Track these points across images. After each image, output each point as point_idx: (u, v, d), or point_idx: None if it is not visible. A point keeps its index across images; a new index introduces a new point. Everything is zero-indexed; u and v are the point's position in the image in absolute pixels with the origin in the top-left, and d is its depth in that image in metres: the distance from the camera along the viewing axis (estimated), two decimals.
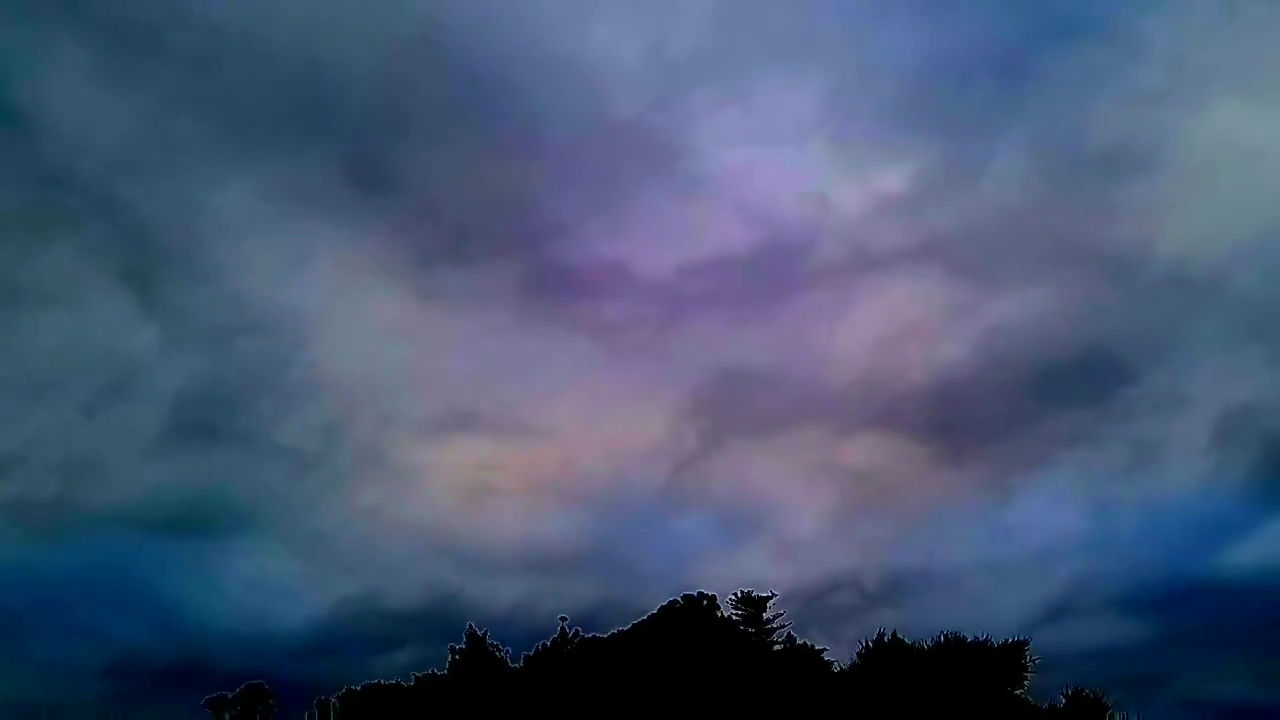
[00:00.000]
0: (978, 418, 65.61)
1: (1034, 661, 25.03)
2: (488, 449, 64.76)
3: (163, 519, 54.98)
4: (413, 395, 68.33)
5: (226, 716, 30.25)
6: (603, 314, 70.34)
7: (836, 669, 27.10)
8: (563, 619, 29.15)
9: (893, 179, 70.62)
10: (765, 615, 28.08)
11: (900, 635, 26.24)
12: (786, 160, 74.35)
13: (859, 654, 26.10)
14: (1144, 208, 66.37)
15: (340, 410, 65.71)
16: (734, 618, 28.41)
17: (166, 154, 69.02)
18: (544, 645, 29.07)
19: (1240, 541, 54.23)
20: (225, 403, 63.83)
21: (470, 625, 29.65)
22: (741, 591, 28.52)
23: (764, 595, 28.32)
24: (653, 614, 28.52)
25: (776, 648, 27.78)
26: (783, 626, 27.95)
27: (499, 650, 29.32)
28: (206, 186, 68.68)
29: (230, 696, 30.47)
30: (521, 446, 64.82)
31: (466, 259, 71.09)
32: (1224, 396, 61.12)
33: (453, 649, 29.46)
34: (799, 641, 27.88)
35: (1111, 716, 23.74)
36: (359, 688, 29.59)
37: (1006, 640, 25.12)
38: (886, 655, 25.70)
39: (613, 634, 28.44)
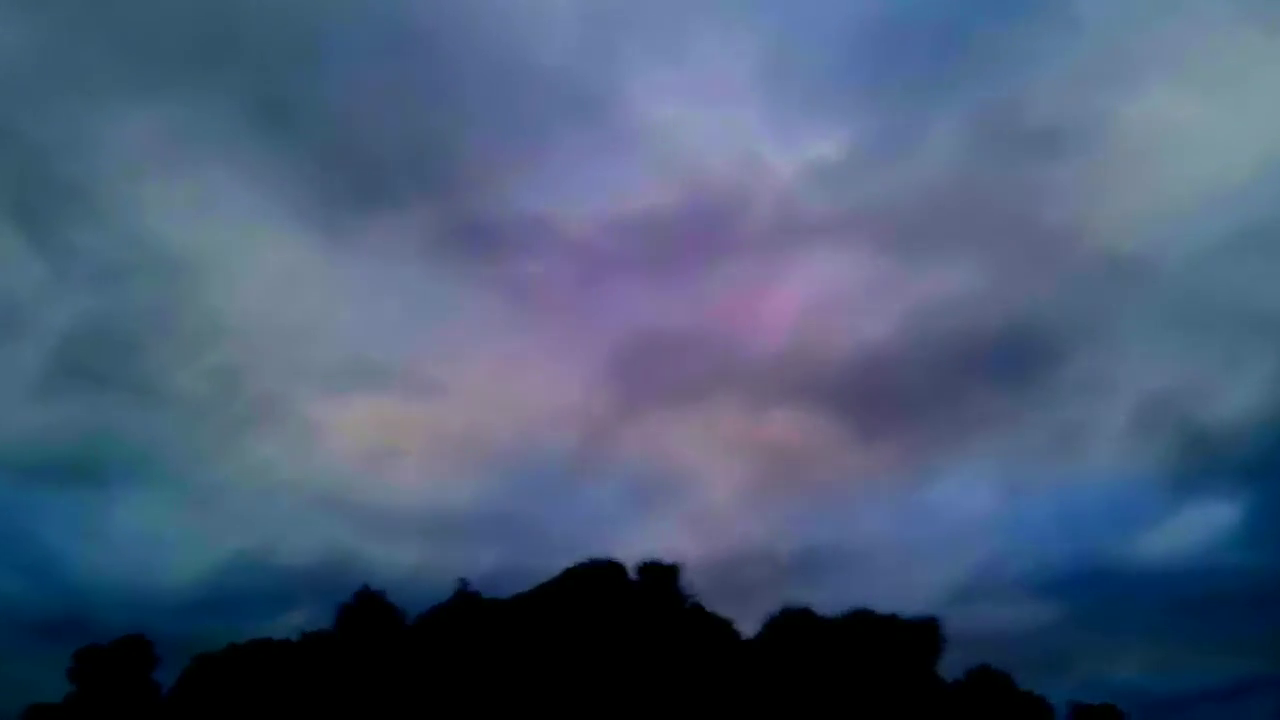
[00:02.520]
0: (899, 395, 65.21)
1: (942, 638, 24.22)
2: (392, 406, 62.83)
3: (43, 465, 52.60)
4: (315, 346, 66.10)
5: (97, 669, 28.51)
6: (519, 270, 68.51)
7: (743, 638, 26.07)
8: (463, 581, 27.87)
9: (826, 146, 69.99)
10: (672, 584, 26.95)
11: (810, 608, 25.23)
12: (718, 120, 73.23)
13: (767, 624, 25.06)
14: (1076, 189, 66.45)
15: (238, 358, 63.26)
16: (641, 585, 27.27)
17: (62, 82, 65.49)
18: (441, 606, 27.73)
19: (1150, 529, 54.48)
20: (116, 346, 61.09)
21: (365, 585, 28.24)
22: (649, 559, 27.43)
23: (672, 564, 27.25)
24: (556, 578, 27.34)
25: (683, 616, 26.65)
26: (691, 596, 26.84)
27: (392, 609, 27.94)
28: (104, 119, 65.43)
29: (104, 649, 28.77)
30: (428, 405, 62.93)
31: (377, 206, 68.76)
32: (1145, 383, 61.38)
33: (343, 606, 28.03)
34: (707, 611, 26.79)
35: (1014, 693, 22.87)
36: (244, 643, 28.13)
37: (915, 616, 24.32)
38: (794, 626, 24.71)
39: (513, 597, 27.19)
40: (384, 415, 63.11)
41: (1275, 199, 60.16)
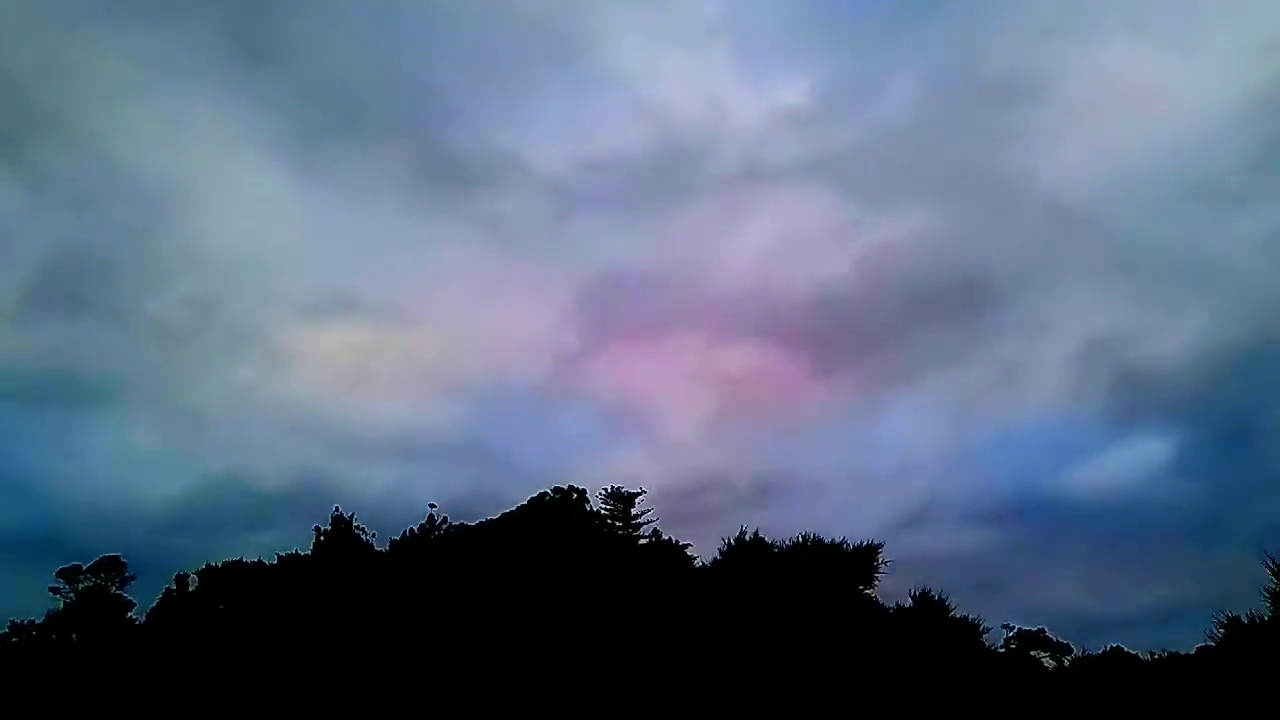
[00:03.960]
0: (854, 332, 66.78)
1: (885, 564, 25.36)
2: (367, 334, 63.80)
3: (21, 388, 53.18)
4: (292, 275, 66.59)
5: (79, 588, 29.61)
6: (492, 205, 69.03)
7: (699, 564, 27.20)
8: (432, 506, 28.87)
9: (792, 92, 70.23)
10: (633, 511, 28.08)
11: (762, 535, 26.32)
12: (688, 64, 73.14)
13: (721, 551, 26.17)
14: (1029, 138, 67.13)
15: (215, 286, 63.74)
16: (603, 512, 28.36)
17: (38, 8, 64.81)
18: (411, 531, 28.74)
19: (1086, 463, 56.64)
20: (93, 272, 61.44)
21: (337, 508, 29.26)
22: (611, 487, 28.51)
23: (633, 491, 28.38)
24: (521, 505, 28.34)
25: (642, 542, 27.81)
26: (650, 522, 28.01)
27: (365, 534, 29.00)
28: (83, 46, 64.93)
29: (84, 568, 29.85)
30: (402, 333, 63.93)
31: (354, 138, 68.89)
32: (1085, 325, 63.10)
33: (318, 530, 29.05)
34: (665, 537, 27.93)
35: (951, 617, 24.14)
36: (219, 564, 29.14)
37: (861, 543, 25.39)
38: (748, 553, 25.80)
39: (480, 523, 28.17)
40: (357, 344, 64.00)
41: (1222, 153, 61.24)
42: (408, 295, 66.95)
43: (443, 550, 27.82)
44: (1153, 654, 27.06)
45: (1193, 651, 25.61)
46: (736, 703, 22.06)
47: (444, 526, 28.44)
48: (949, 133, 68.12)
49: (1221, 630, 23.25)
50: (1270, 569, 21.47)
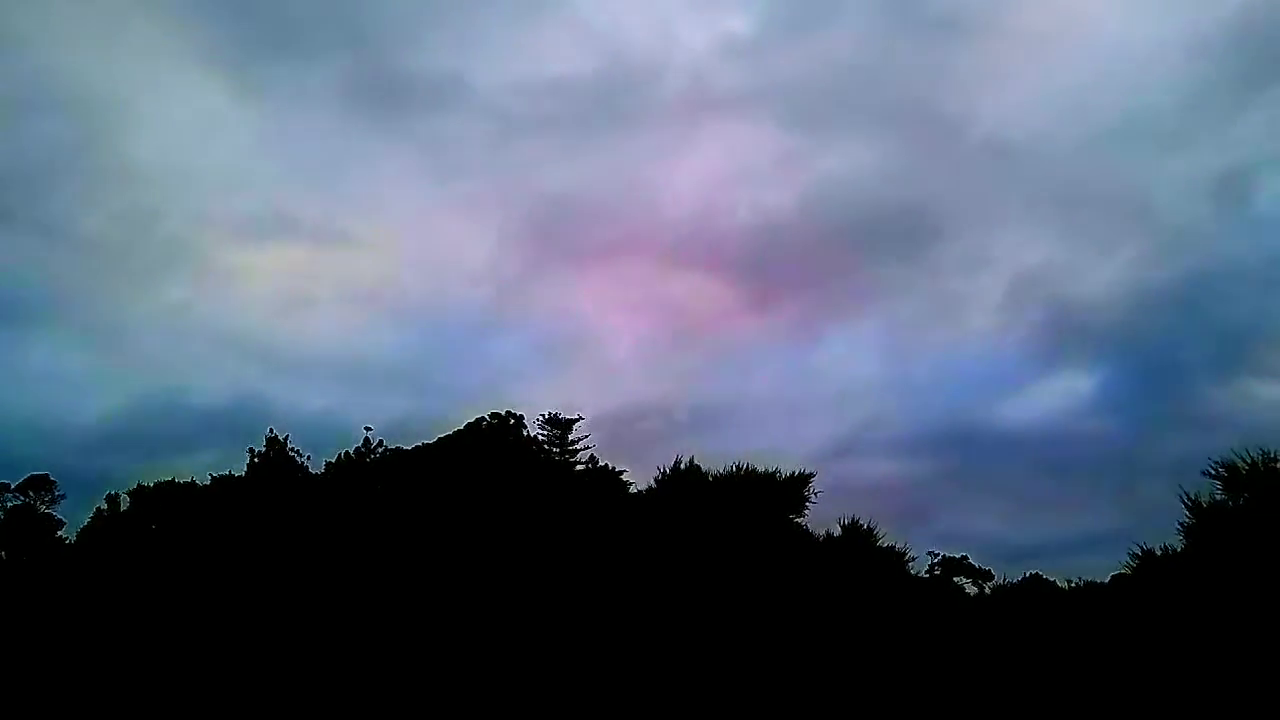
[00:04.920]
0: (795, 263, 67.27)
1: (816, 493, 25.77)
2: (305, 255, 62.77)
3: None
4: (227, 193, 65.00)
5: (6, 505, 29.22)
6: (435, 127, 67.62)
7: (636, 491, 27.47)
8: (368, 429, 28.74)
9: (737, 22, 69.51)
10: (570, 437, 28.19)
11: (698, 463, 26.55)
12: None
13: (656, 480, 26.40)
14: (972, 75, 67.26)
15: (148, 202, 62.09)
16: (540, 437, 28.44)
17: None
18: (346, 454, 28.61)
19: (1015, 395, 58.28)
20: (22, 184, 59.43)
21: (271, 429, 29.03)
22: (549, 412, 28.55)
23: (571, 417, 28.46)
24: (458, 429, 28.30)
25: (579, 468, 27.97)
26: (587, 448, 28.15)
27: (300, 456, 28.84)
28: None
29: (11, 486, 29.42)
30: (341, 255, 63.05)
31: (293, 54, 66.81)
32: (1019, 260, 64.18)
33: (252, 451, 28.83)
34: (602, 464, 28.12)
35: (878, 546, 24.73)
36: (151, 484, 28.85)
37: (793, 472, 25.73)
38: (682, 481, 26.07)
39: (416, 446, 28.12)
40: (295, 264, 62.88)
41: (1160, 90, 62.05)
42: (347, 216, 65.77)
43: (377, 473, 27.79)
44: (1070, 582, 28.02)
45: (1107, 580, 26.54)
46: (667, 628, 22.49)
47: (379, 450, 28.34)
48: (894, 66, 68.10)
49: (1135, 561, 24.07)
50: (1185, 504, 22.17)
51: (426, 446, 27.97)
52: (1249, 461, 21.19)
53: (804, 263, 67.56)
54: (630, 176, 69.78)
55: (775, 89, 68.37)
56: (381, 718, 21.37)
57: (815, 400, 58.82)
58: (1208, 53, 59.05)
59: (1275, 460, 21.23)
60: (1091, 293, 62.38)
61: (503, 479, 26.28)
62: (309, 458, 28.52)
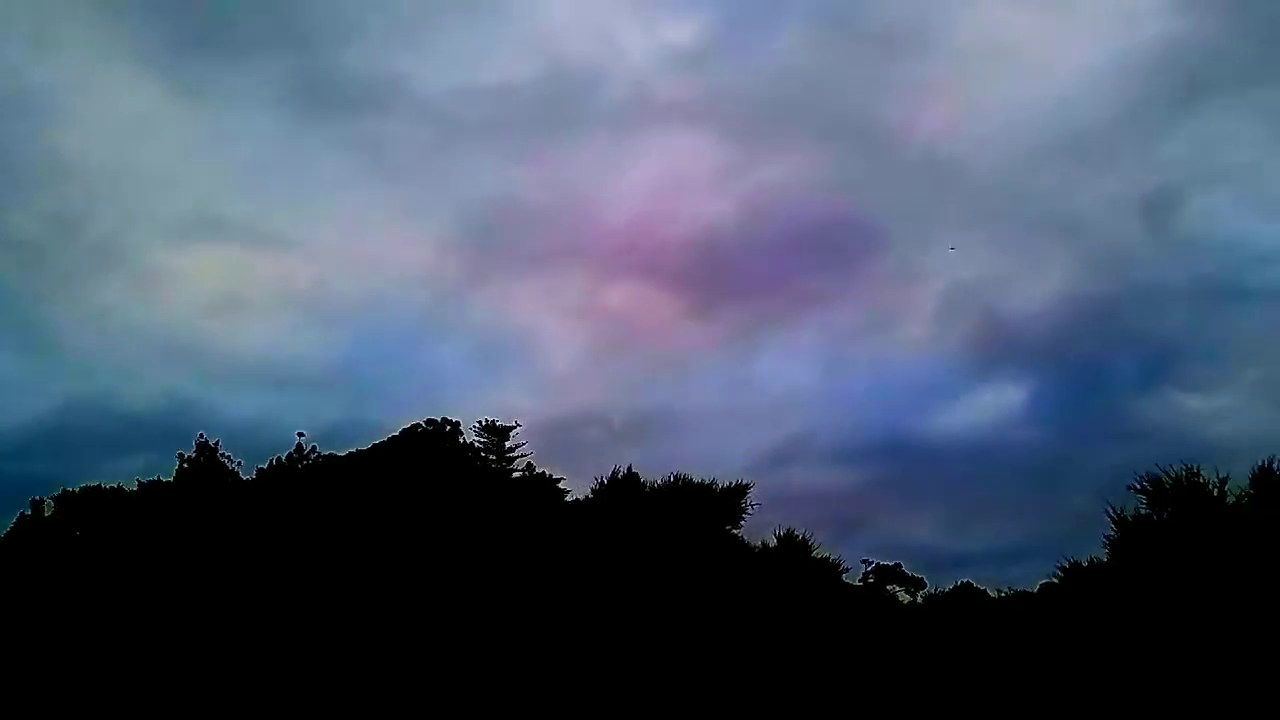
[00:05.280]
0: (734, 273, 67.88)
1: (753, 504, 25.93)
2: (239, 257, 61.60)
3: None
4: (160, 193, 63.56)
5: None
6: (374, 129, 66.79)
7: (572, 499, 27.41)
8: (300, 434, 28.29)
9: (680, 31, 69.74)
10: (507, 444, 28.04)
11: (636, 472, 26.59)
12: None
13: (593, 489, 26.38)
14: (910, 90, 68.30)
15: (78, 202, 60.63)
16: (476, 444, 28.24)
17: None
18: (278, 460, 28.17)
19: (947, 406, 59.44)
20: None
21: (201, 434, 28.48)
22: (485, 419, 28.36)
23: (508, 425, 28.28)
24: (393, 435, 28.01)
25: (515, 475, 27.84)
26: (524, 456, 28.01)
27: (230, 461, 28.34)
28: None
29: None
30: (275, 258, 62.02)
31: (231, 54, 65.30)
32: (954, 274, 65.51)
33: (181, 456, 28.25)
34: (539, 471, 27.99)
35: (813, 557, 24.96)
36: (77, 489, 28.17)
37: (730, 483, 25.88)
38: (620, 490, 26.08)
39: (350, 453, 27.78)
40: (230, 266, 61.66)
41: (1087, 111, 63.52)
42: (283, 219, 64.58)
43: (310, 480, 27.40)
44: (999, 591, 28.51)
45: (1036, 590, 27.04)
46: (602, 638, 22.48)
47: (312, 456, 27.94)
48: (833, 79, 68.74)
49: (1063, 572, 24.59)
50: (1111, 518, 22.68)
51: (360, 453, 27.65)
52: (1173, 477, 21.74)
53: (743, 272, 68.20)
54: (571, 183, 69.63)
55: (716, 99, 68.78)
56: None
57: (753, 409, 59.31)
58: (1137, 74, 60.64)
59: (1198, 475, 21.79)
60: (1024, 306, 63.89)
61: (437, 486, 26.06)
62: (240, 463, 28.05)
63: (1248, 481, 20.91)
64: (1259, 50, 59.60)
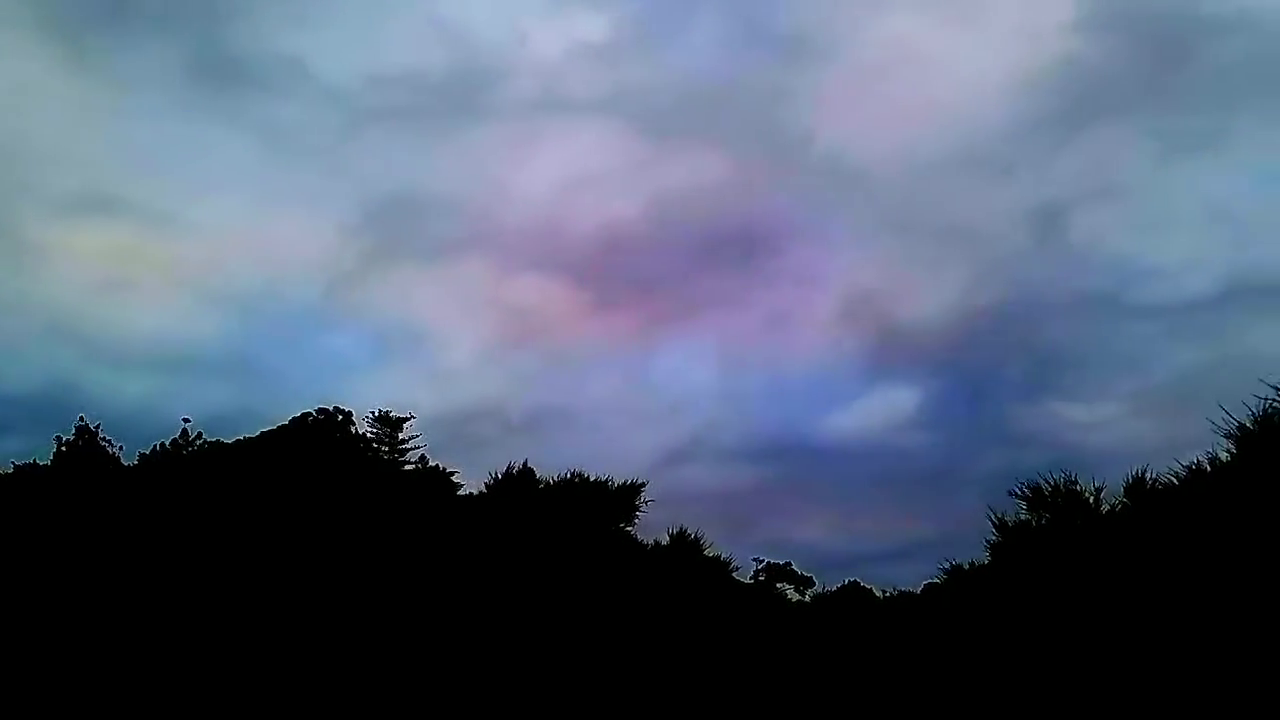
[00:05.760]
0: (636, 272, 68.25)
1: (648, 502, 26.07)
2: (129, 237, 59.40)
3: None
4: (47, 168, 60.92)
5: None
6: (274, 112, 64.92)
7: (466, 493, 27.20)
8: (186, 420, 27.44)
9: (593, 26, 69.49)
10: (401, 436, 27.66)
11: (532, 467, 26.49)
12: None
13: (487, 484, 26.21)
14: (815, 97, 69.40)
15: None
16: (369, 435, 27.80)
17: None
18: (162, 445, 27.31)
19: (842, 409, 60.96)
20: None
21: (81, 417, 27.40)
22: (379, 410, 27.92)
23: (402, 416, 27.88)
24: (283, 424, 27.37)
25: (408, 468, 27.49)
26: (418, 448, 27.67)
27: (112, 446, 27.35)
28: None
29: None
30: (168, 239, 60.04)
31: (130, 28, 62.86)
32: (853, 280, 67.13)
33: (59, 440, 27.15)
34: (433, 464, 27.69)
35: (705, 555, 25.21)
36: None
37: (625, 481, 25.98)
38: (515, 486, 25.94)
39: (238, 440, 27.07)
40: (118, 247, 59.26)
41: (987, 125, 65.29)
42: (177, 199, 62.15)
43: (195, 467, 26.65)
44: (885, 590, 29.21)
45: (919, 590, 27.76)
46: (491, 634, 22.36)
47: (198, 442, 27.15)
48: (742, 82, 69.18)
49: (945, 573, 25.28)
50: (992, 522, 23.35)
51: (249, 440, 26.98)
52: (1052, 484, 22.45)
53: (646, 270, 68.40)
54: (476, 175, 68.80)
55: (625, 97, 68.61)
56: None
57: (651, 407, 59.75)
58: (1033, 90, 62.42)
59: (1075, 483, 22.54)
60: (918, 313, 65.58)
61: (327, 476, 25.58)
62: (121, 448, 27.07)
63: (1122, 490, 21.66)
64: (1150, 75, 61.90)
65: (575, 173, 70.61)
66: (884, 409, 60.76)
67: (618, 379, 63.49)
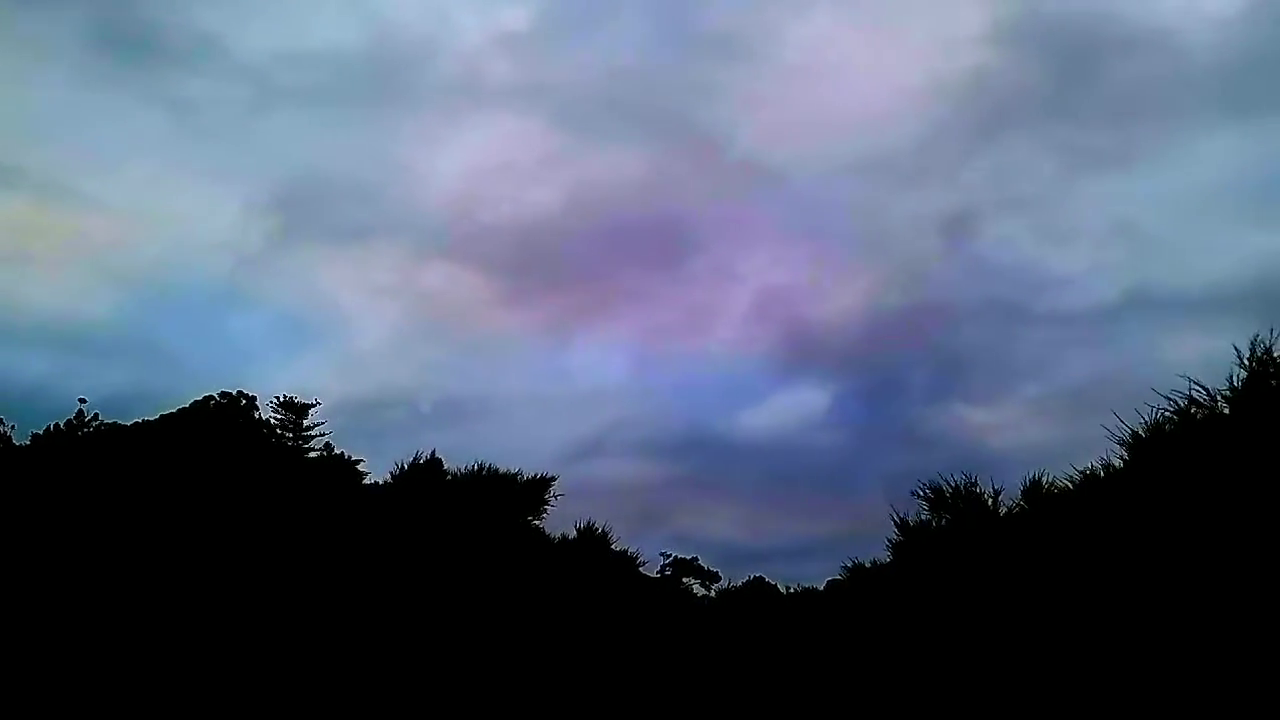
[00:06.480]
0: (553, 263, 68.14)
1: (557, 495, 25.97)
2: (27, 210, 57.27)
3: None
4: None
5: None
6: (183, 87, 63.13)
7: (371, 482, 26.79)
8: (82, 401, 26.52)
9: (516, 14, 69.19)
10: (306, 422, 27.12)
11: (440, 458, 26.19)
12: None
13: (394, 473, 25.84)
14: (736, 96, 70.09)
15: None
16: (273, 420, 27.22)
17: None
18: (56, 426, 26.36)
19: (753, 406, 61.92)
20: None
21: None
22: (283, 395, 27.35)
23: (307, 402, 27.37)
24: (184, 407, 26.65)
25: (312, 455, 26.97)
26: (323, 435, 27.16)
27: (3, 425, 26.33)
28: None
29: None
30: (68, 213, 58.02)
31: None
32: (765, 278, 68.06)
33: None
34: (338, 451, 27.23)
35: (613, 549, 25.21)
36: None
37: (535, 475, 25.83)
38: (422, 476, 25.62)
39: (136, 423, 26.26)
40: (15, 218, 57.01)
41: (902, 131, 66.77)
42: (79, 173, 60.11)
43: (90, 449, 25.79)
44: (788, 587, 29.54)
45: (823, 586, 28.14)
46: (393, 626, 22.06)
47: (95, 424, 26.27)
48: (663, 78, 69.54)
49: (848, 571, 25.66)
50: (894, 522, 23.75)
51: (148, 423, 26.20)
52: (952, 486, 22.90)
53: (562, 263, 68.32)
54: (391, 158, 67.89)
55: (547, 88, 68.41)
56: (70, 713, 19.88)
57: (564, 400, 59.73)
58: (950, 99, 63.95)
59: (975, 485, 23.01)
60: (829, 314, 66.67)
61: (227, 461, 24.96)
62: (14, 427, 26.06)
63: (1020, 493, 22.16)
64: (1058, 88, 63.65)
65: (493, 161, 70.06)
66: (794, 407, 61.70)
67: (531, 371, 63.38)
